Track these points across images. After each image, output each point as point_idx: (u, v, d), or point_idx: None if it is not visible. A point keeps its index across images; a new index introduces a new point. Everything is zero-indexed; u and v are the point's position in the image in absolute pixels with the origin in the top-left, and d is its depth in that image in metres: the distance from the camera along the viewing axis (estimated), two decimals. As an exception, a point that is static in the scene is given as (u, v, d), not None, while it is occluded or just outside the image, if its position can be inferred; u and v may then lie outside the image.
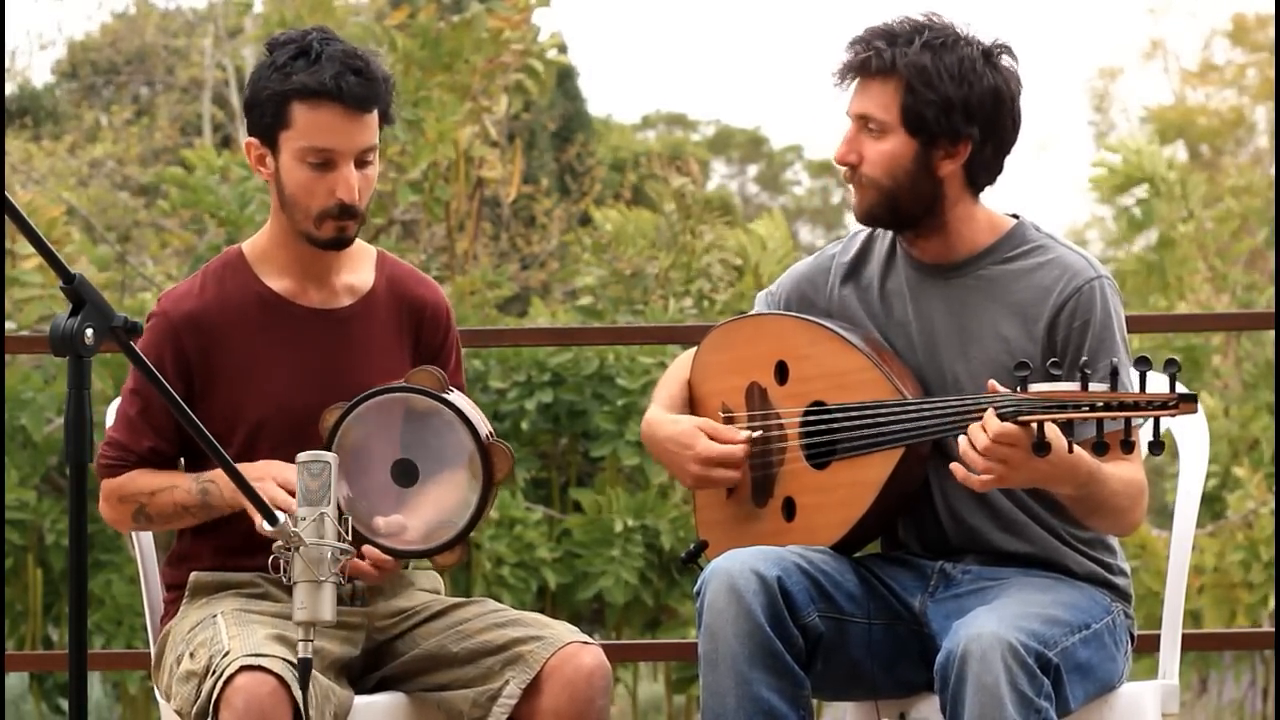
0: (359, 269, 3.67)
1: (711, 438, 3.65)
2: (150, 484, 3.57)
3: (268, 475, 3.45)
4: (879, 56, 3.51)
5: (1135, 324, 3.71)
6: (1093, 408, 3.25)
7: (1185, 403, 3.23)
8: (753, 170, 34.29)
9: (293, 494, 3.35)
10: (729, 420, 3.70)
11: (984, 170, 3.57)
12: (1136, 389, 3.24)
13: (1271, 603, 9.67)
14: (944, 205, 3.56)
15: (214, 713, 3.28)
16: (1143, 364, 3.25)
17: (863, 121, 3.54)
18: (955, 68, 3.50)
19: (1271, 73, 25.95)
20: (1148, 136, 11.28)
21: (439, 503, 3.49)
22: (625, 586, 8.79)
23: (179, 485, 3.55)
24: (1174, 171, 11.05)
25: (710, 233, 10.13)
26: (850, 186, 3.59)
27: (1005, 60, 3.56)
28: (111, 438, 3.61)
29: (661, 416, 3.72)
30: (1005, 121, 3.54)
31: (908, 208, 3.55)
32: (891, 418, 3.49)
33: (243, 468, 3.39)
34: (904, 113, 3.51)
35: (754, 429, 3.66)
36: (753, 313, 3.77)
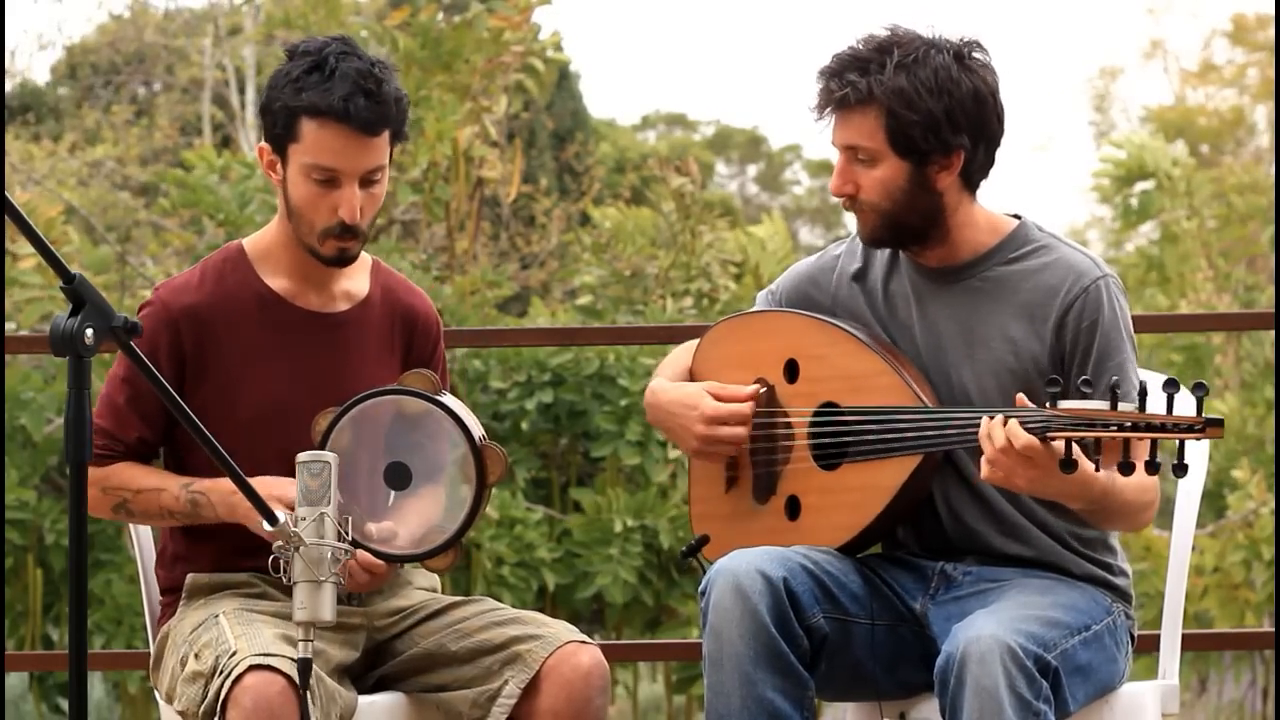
0: (356, 276, 3.67)
1: (717, 398, 3.63)
2: (137, 482, 3.55)
3: (265, 493, 3.44)
4: (855, 89, 3.49)
5: (1136, 323, 3.70)
6: (1120, 427, 3.24)
7: (1212, 427, 3.24)
8: (752, 170, 34.29)
9: (290, 508, 3.35)
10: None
11: (979, 171, 3.57)
12: (1164, 409, 3.24)
13: (1273, 601, 9.67)
14: (945, 214, 3.56)
15: (221, 712, 3.27)
16: (1170, 386, 3.24)
17: (852, 152, 3.53)
18: (932, 81, 3.48)
19: (1272, 73, 25.95)
20: (1150, 135, 11.26)
21: (432, 506, 3.48)
22: (624, 586, 8.79)
23: (167, 489, 3.54)
24: (1179, 168, 11.04)
25: (709, 233, 10.13)
26: (852, 213, 3.57)
27: (977, 57, 3.53)
28: (97, 425, 3.58)
29: (666, 384, 3.71)
30: (991, 120, 3.53)
31: (912, 225, 3.54)
32: (912, 425, 3.48)
33: (222, 483, 3.40)
34: (890, 138, 3.49)
35: (757, 439, 3.64)
36: (760, 309, 3.76)
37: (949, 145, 3.50)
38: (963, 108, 3.49)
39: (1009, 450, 3.28)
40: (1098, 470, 3.29)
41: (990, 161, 3.57)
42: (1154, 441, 3.25)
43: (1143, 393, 3.26)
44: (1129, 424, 3.24)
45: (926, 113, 3.47)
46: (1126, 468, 3.26)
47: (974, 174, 3.56)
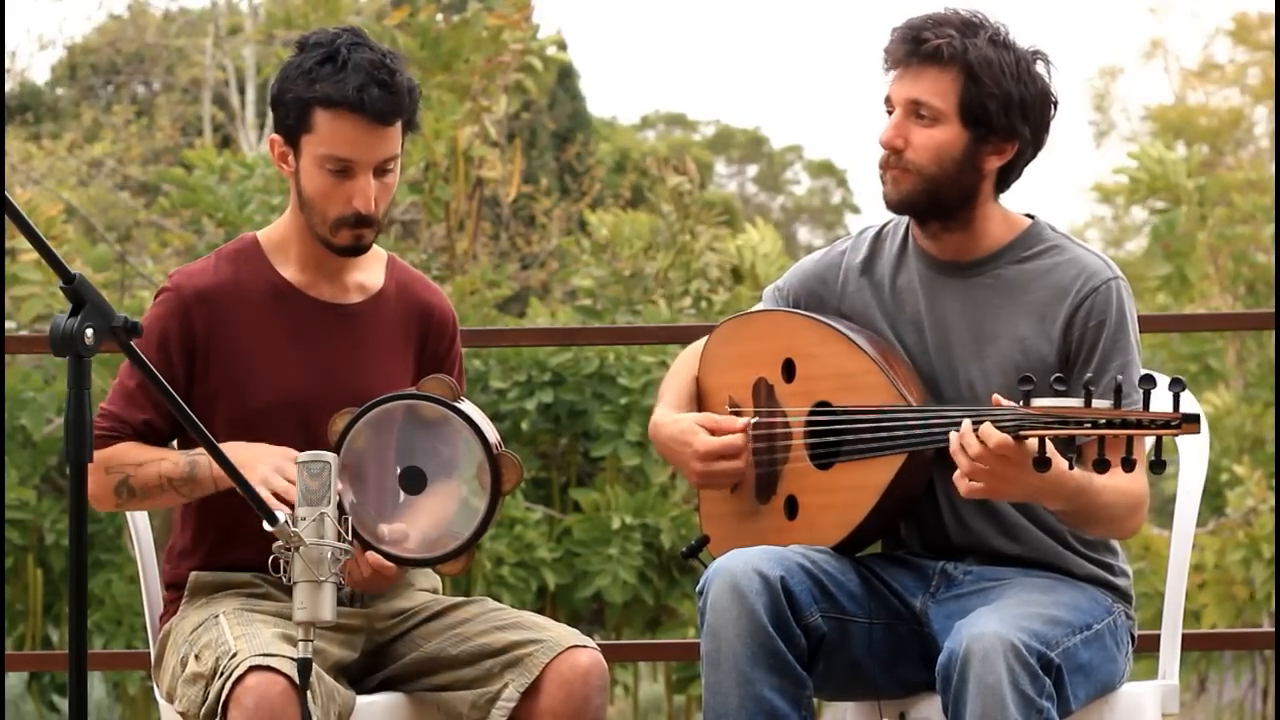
0: (370, 268, 3.67)
1: (711, 431, 3.64)
2: (139, 456, 3.54)
3: (263, 462, 3.43)
4: (950, 44, 3.48)
5: (1139, 323, 3.69)
6: (1095, 425, 3.22)
7: (1188, 423, 3.21)
8: (752, 170, 34.30)
9: (292, 482, 3.35)
10: (735, 415, 3.69)
11: (1015, 173, 3.57)
12: (1141, 406, 3.22)
13: (1273, 603, 9.67)
14: (976, 201, 3.55)
15: (222, 713, 3.27)
16: (1147, 382, 3.23)
17: (914, 107, 3.50)
18: (1014, 66, 3.49)
19: (1272, 72, 25.94)
20: (1156, 137, 11.26)
21: (445, 511, 3.48)
22: (623, 585, 8.78)
23: (167, 458, 3.52)
24: (1192, 179, 11.04)
25: (706, 232, 10.13)
26: (884, 172, 3.53)
27: (1045, 68, 3.55)
28: (105, 409, 3.57)
29: (665, 416, 3.72)
30: (1046, 127, 3.55)
31: (945, 198, 3.53)
32: (896, 424, 3.48)
33: (233, 448, 3.36)
34: (963, 102, 3.48)
35: (759, 439, 3.64)
36: (763, 308, 3.76)
37: (1012, 131, 3.50)
38: (1034, 102, 3.51)
39: (983, 455, 3.27)
40: (1072, 468, 3.28)
41: (1022, 170, 3.58)
42: (1130, 438, 3.24)
43: (1118, 389, 3.24)
44: (1103, 421, 3.23)
45: (1006, 91, 3.48)
46: (1102, 464, 3.25)
47: (1011, 173, 3.56)
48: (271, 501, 3.32)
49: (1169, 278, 11.03)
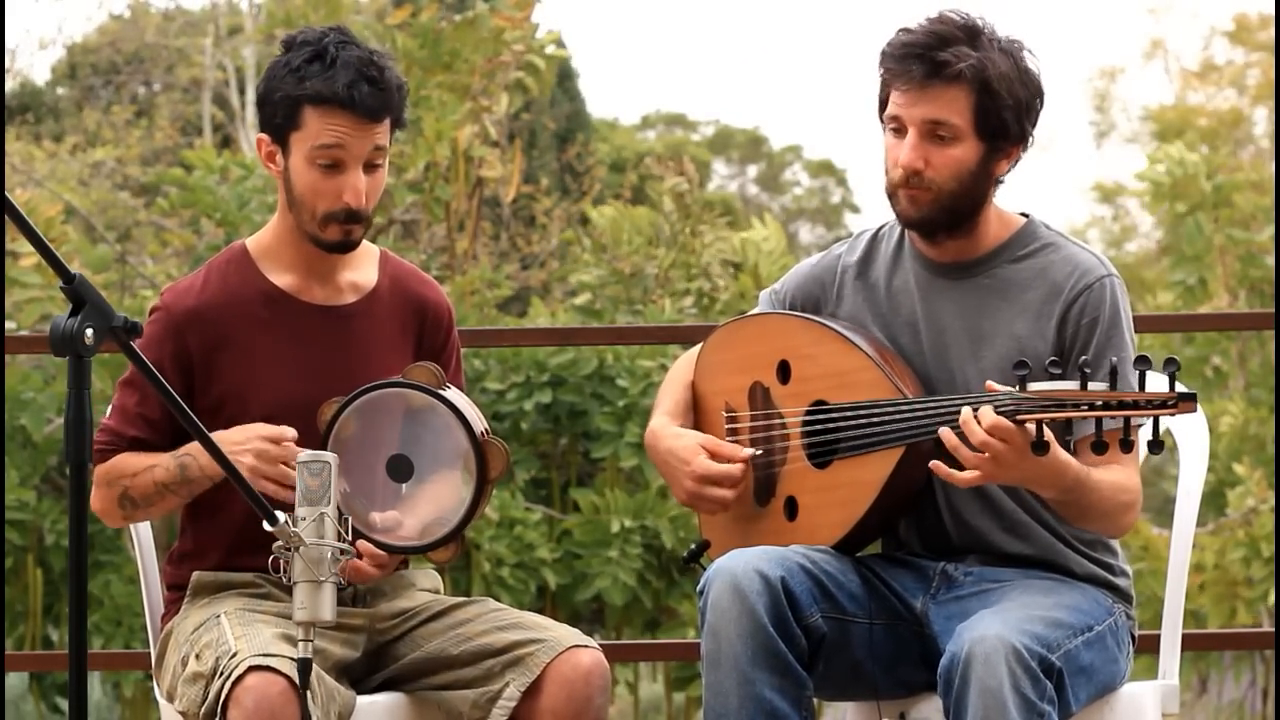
0: (362, 267, 3.67)
1: (713, 455, 3.63)
2: (133, 465, 3.56)
3: (251, 436, 3.45)
4: (971, 66, 3.44)
5: (1136, 323, 3.70)
6: (1091, 407, 3.23)
7: (1184, 402, 3.22)
8: (752, 170, 34.30)
9: (275, 441, 3.41)
10: (732, 420, 3.69)
11: (1011, 170, 3.57)
12: (1136, 388, 3.23)
13: (1271, 599, 9.67)
14: (986, 204, 3.56)
15: (222, 713, 3.27)
16: (1142, 363, 3.24)
17: (932, 127, 3.48)
18: (1016, 70, 3.49)
19: (1272, 73, 25.94)
20: (1157, 138, 11.29)
21: (434, 499, 3.48)
22: (623, 588, 8.78)
23: (159, 464, 3.54)
24: (1210, 180, 11.04)
25: (710, 233, 10.13)
26: (899, 192, 3.50)
27: (1028, 58, 3.54)
28: (104, 424, 3.60)
29: (665, 427, 3.70)
30: (1038, 120, 3.54)
31: (962, 209, 3.53)
32: (891, 417, 3.48)
33: (221, 435, 3.40)
34: (977, 118, 3.47)
35: (756, 442, 3.64)
36: (756, 311, 3.76)
37: (1023, 135, 3.51)
38: (1034, 102, 3.52)
39: (985, 443, 3.27)
40: (1068, 451, 3.28)
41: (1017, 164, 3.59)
42: (1127, 420, 3.24)
43: (1113, 371, 3.24)
44: (1100, 403, 3.23)
45: (1017, 98, 3.48)
46: (1100, 446, 3.25)
47: (1010, 171, 3.56)
48: (267, 488, 3.35)
49: (1191, 286, 11.02)
